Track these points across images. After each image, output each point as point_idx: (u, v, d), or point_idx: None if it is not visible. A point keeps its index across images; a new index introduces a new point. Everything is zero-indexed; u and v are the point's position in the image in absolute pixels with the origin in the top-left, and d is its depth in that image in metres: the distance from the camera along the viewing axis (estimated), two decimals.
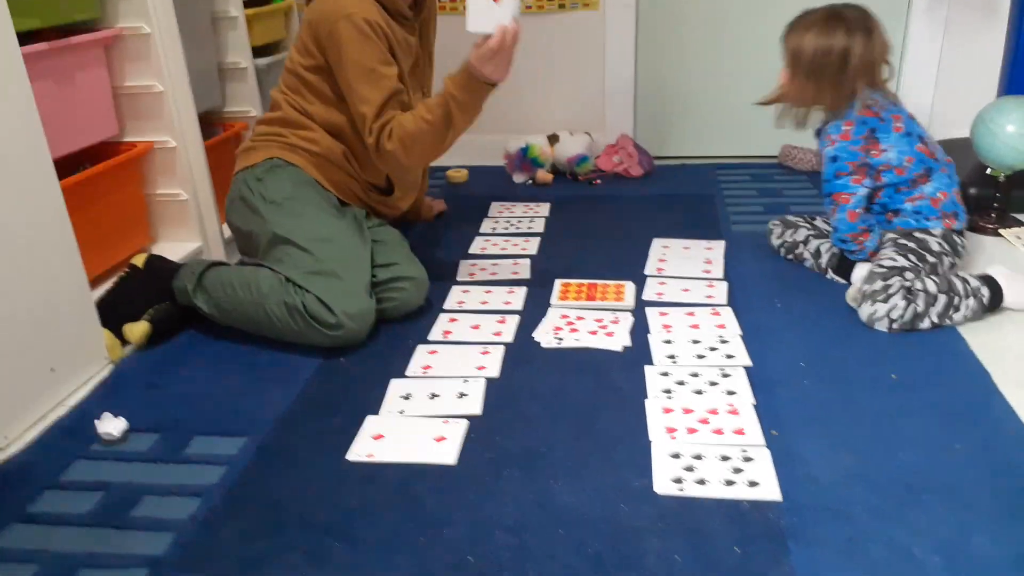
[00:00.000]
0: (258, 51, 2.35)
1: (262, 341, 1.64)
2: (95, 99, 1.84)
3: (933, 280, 1.60)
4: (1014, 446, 1.24)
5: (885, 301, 1.58)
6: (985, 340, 1.55)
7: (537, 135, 2.69)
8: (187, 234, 2.04)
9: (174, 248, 2.03)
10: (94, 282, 1.80)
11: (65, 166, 1.67)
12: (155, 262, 1.77)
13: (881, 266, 1.66)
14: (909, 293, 1.58)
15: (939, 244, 1.71)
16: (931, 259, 1.69)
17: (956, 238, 1.74)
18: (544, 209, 2.38)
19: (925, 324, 1.58)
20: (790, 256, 1.94)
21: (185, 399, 1.48)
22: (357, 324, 1.58)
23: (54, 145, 1.50)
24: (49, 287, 1.48)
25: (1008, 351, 1.51)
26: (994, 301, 1.61)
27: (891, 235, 1.74)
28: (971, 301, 1.59)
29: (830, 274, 1.83)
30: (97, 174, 1.78)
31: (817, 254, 1.87)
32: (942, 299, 1.58)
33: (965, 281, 1.62)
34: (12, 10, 1.39)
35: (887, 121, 1.70)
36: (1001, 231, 2.04)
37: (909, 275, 1.62)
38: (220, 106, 2.32)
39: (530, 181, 2.65)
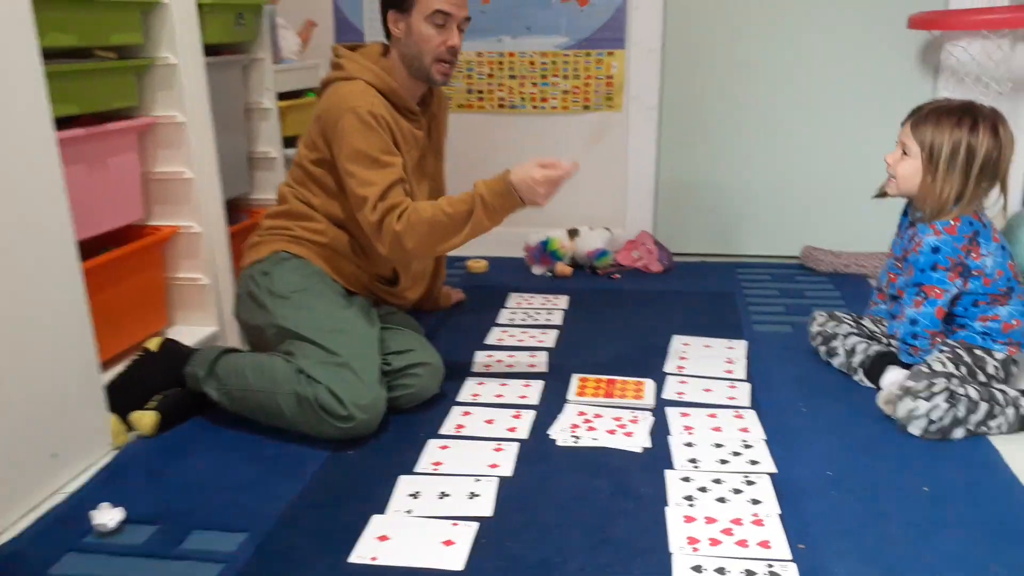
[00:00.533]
0: (289, 141, 2.40)
1: (271, 431, 1.60)
2: (124, 184, 1.87)
3: (975, 387, 1.55)
4: None
5: (928, 399, 1.52)
6: (1018, 453, 1.48)
7: (557, 229, 2.70)
8: (204, 318, 2.03)
9: (190, 331, 2.02)
10: (107, 363, 1.79)
11: (88, 247, 1.68)
12: (169, 346, 1.75)
13: (929, 367, 1.61)
14: (952, 397, 1.53)
15: (995, 368, 1.66)
16: (982, 378, 1.64)
17: (1013, 367, 1.69)
18: (563, 302, 2.36)
19: (960, 433, 1.52)
20: (822, 347, 1.88)
21: (187, 489, 1.44)
22: (368, 415, 1.55)
23: (80, 227, 1.52)
24: (59, 370, 1.46)
25: None
26: None
27: (950, 344, 1.68)
28: (1009, 411, 1.53)
29: (859, 375, 1.77)
30: (119, 257, 1.79)
31: (852, 352, 1.81)
32: (983, 407, 1.52)
33: (1004, 391, 1.56)
34: (53, 96, 1.43)
35: (988, 228, 1.68)
36: None
37: (955, 381, 1.56)
38: (248, 193, 2.36)
39: (549, 274, 2.64)
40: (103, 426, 1.57)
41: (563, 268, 2.62)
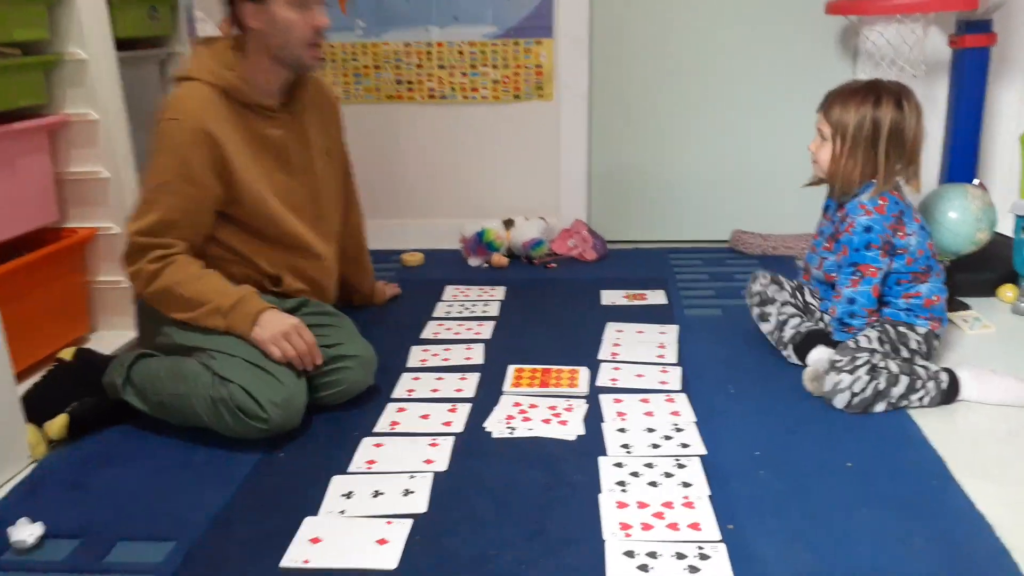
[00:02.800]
0: None
1: (200, 436, 1.56)
2: (36, 185, 1.80)
3: (896, 362, 1.60)
4: (973, 539, 1.21)
5: (851, 372, 1.57)
6: (938, 427, 1.54)
7: (493, 219, 2.70)
8: (128, 323, 1.96)
9: (114, 337, 1.96)
10: (25, 373, 1.73)
11: (1, 253, 1.62)
12: (84, 355, 1.70)
13: (856, 343, 1.65)
14: (873, 370, 1.57)
15: (917, 343, 1.71)
16: (905, 354, 1.69)
17: (935, 341, 1.75)
18: (499, 292, 2.36)
19: (882, 406, 1.57)
20: (756, 308, 1.91)
21: (112, 500, 1.39)
22: (285, 411, 1.51)
23: None
24: None
25: (962, 439, 1.50)
26: (951, 390, 1.61)
27: (874, 320, 1.73)
28: (931, 385, 1.59)
29: (788, 351, 1.82)
30: (32, 263, 1.72)
31: (782, 325, 1.84)
32: (904, 380, 1.57)
33: (926, 367, 1.62)
34: None
35: (910, 208, 1.73)
36: (949, 315, 2.06)
37: (877, 356, 1.61)
38: None
39: (486, 265, 2.63)
40: (20, 438, 1.51)
41: (499, 259, 2.62)
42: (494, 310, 2.22)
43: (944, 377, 1.60)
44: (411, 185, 2.87)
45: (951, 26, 2.30)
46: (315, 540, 1.25)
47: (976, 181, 2.23)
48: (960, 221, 2.00)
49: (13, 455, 1.49)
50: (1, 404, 1.47)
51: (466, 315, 2.19)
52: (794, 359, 1.80)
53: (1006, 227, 2.25)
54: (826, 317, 1.81)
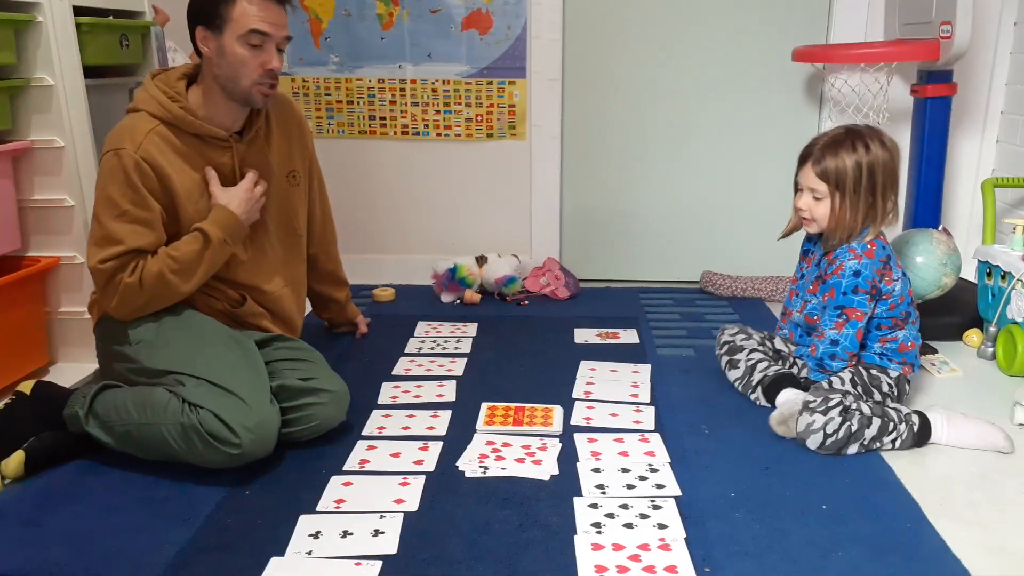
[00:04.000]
0: None
1: (162, 469, 1.51)
2: None
3: (869, 405, 1.61)
4: None
5: (824, 413, 1.57)
6: (910, 469, 1.54)
7: (465, 256, 2.69)
8: (89, 354, 1.90)
9: (74, 369, 1.91)
10: None
11: None
12: (43, 389, 1.64)
13: (830, 384, 1.66)
14: (846, 411, 1.58)
15: (889, 386, 1.73)
16: (877, 397, 1.71)
17: (906, 385, 1.77)
18: (472, 329, 2.34)
19: (854, 448, 1.57)
20: (725, 357, 1.91)
21: (67, 539, 1.33)
22: (257, 435, 1.47)
23: None
24: None
25: (933, 481, 1.51)
26: (923, 433, 1.62)
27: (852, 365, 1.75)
28: (903, 427, 1.60)
29: (756, 394, 1.82)
30: None
31: (752, 370, 1.84)
32: (876, 422, 1.58)
33: (897, 410, 1.63)
34: None
35: (894, 255, 1.75)
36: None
37: (850, 399, 1.62)
38: None
39: (458, 301, 2.62)
40: None
41: (471, 295, 2.60)
42: (466, 346, 2.20)
43: (915, 420, 1.61)
44: (383, 221, 2.86)
45: (913, 75, 2.37)
46: None
47: (940, 227, 2.28)
48: (926, 265, 2.03)
49: None
50: None
51: (438, 351, 2.16)
52: (762, 401, 1.80)
53: (969, 273, 2.30)
54: (800, 361, 1.82)
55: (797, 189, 1.78)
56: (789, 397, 1.73)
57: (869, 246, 1.71)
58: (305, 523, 1.36)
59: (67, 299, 1.90)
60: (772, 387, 1.79)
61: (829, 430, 1.56)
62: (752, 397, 1.83)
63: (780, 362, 1.86)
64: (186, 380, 1.50)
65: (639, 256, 2.85)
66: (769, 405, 1.78)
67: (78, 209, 1.84)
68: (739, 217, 2.77)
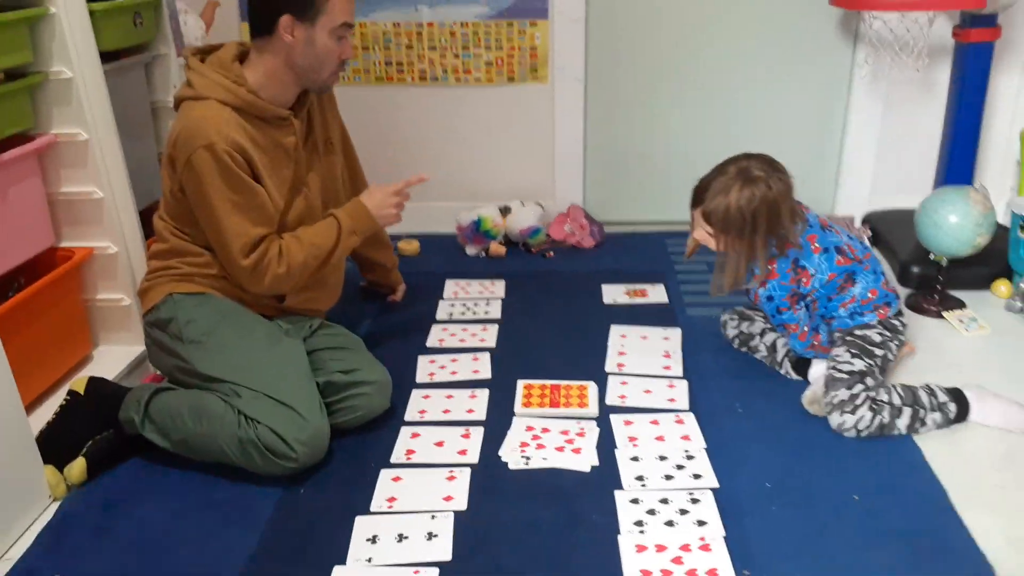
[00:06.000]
0: None
1: (217, 469, 1.57)
2: (30, 212, 1.75)
3: (898, 392, 1.64)
4: None
5: (853, 412, 1.61)
6: (939, 449, 1.59)
7: (488, 205, 2.67)
8: (130, 338, 1.96)
9: (117, 352, 1.95)
10: (36, 402, 1.73)
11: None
12: (96, 387, 1.68)
13: (840, 371, 1.69)
14: (875, 403, 1.62)
15: (880, 334, 1.75)
16: (878, 352, 1.73)
17: (895, 321, 1.79)
18: (499, 288, 2.36)
19: (894, 433, 1.62)
20: (744, 348, 1.96)
21: (139, 548, 1.41)
22: (311, 448, 1.54)
23: None
24: None
25: (962, 464, 1.55)
26: (960, 414, 1.65)
27: (838, 335, 1.78)
28: (936, 416, 1.63)
29: (786, 370, 1.85)
30: (32, 293, 1.69)
31: (773, 348, 1.89)
32: (907, 412, 1.62)
33: (932, 394, 1.66)
34: None
35: (805, 246, 1.74)
36: (944, 314, 2.10)
37: (870, 381, 1.65)
38: None
39: (483, 253, 2.62)
40: (38, 479, 1.51)
41: (497, 248, 2.61)
42: (496, 311, 2.22)
43: (952, 408, 1.64)
44: (403, 169, 2.80)
45: (956, 15, 2.27)
46: None
47: (978, 184, 2.24)
48: (960, 226, 2.01)
49: (33, 497, 1.50)
50: (16, 445, 1.46)
51: (469, 317, 2.19)
52: (793, 375, 1.84)
53: (1003, 219, 2.28)
54: None
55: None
56: (819, 371, 1.76)
57: (768, 266, 1.73)
58: (361, 526, 1.43)
59: (103, 287, 1.92)
60: (800, 362, 1.83)
61: (861, 427, 1.60)
62: (782, 372, 1.86)
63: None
64: (242, 392, 1.54)
65: (664, 197, 2.82)
66: (799, 378, 1.82)
67: (108, 200, 1.83)
68: (766, 149, 2.71)
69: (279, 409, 1.53)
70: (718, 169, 1.74)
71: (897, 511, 1.43)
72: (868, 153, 2.67)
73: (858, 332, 1.76)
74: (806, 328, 1.79)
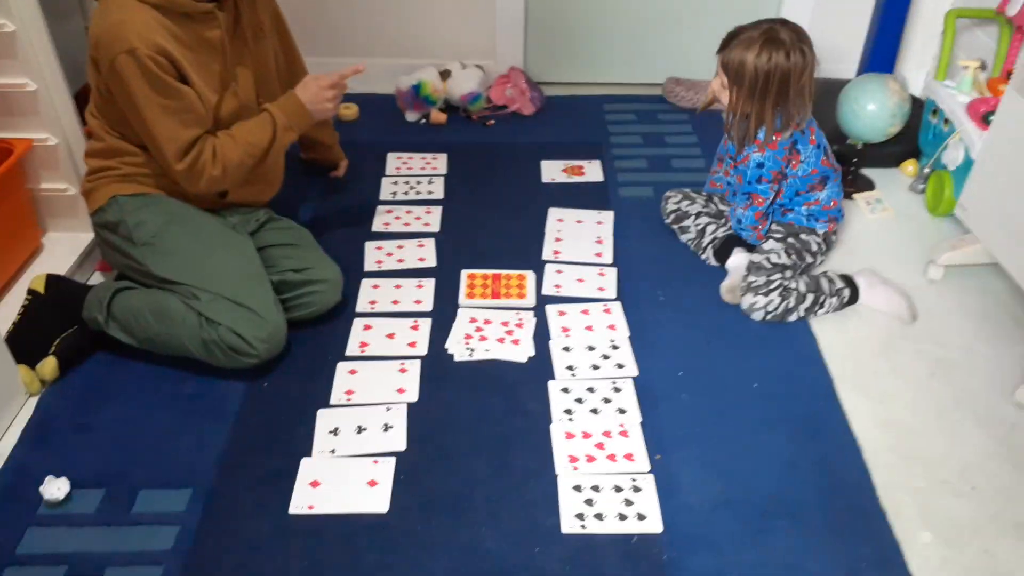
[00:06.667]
0: None
1: (181, 364, 1.69)
2: None
3: (804, 280, 1.84)
4: (844, 460, 1.53)
5: (765, 295, 1.81)
6: (833, 339, 1.81)
7: (428, 68, 2.65)
8: (79, 224, 1.99)
9: (67, 239, 1.99)
10: None
11: None
12: (56, 284, 1.75)
13: (768, 262, 1.87)
14: (785, 291, 1.81)
15: (818, 245, 1.93)
16: (809, 259, 1.92)
17: (832, 238, 1.96)
18: (442, 163, 2.42)
19: (793, 318, 1.83)
20: (675, 226, 2.10)
21: (120, 443, 1.56)
22: (271, 345, 1.66)
23: None
24: None
25: (849, 350, 1.78)
26: (852, 298, 1.87)
27: (778, 227, 1.94)
28: (834, 300, 1.84)
29: (708, 255, 2.02)
30: None
31: (702, 233, 2.04)
32: (810, 297, 1.82)
33: (831, 281, 1.86)
34: None
35: (806, 133, 1.85)
36: (855, 196, 2.27)
37: (788, 273, 1.84)
38: None
39: (423, 120, 2.64)
40: (12, 377, 1.62)
41: (437, 115, 2.63)
42: (439, 190, 2.30)
43: (847, 293, 1.85)
44: (340, 22, 2.75)
45: None
46: (314, 484, 1.48)
47: (897, 73, 2.32)
48: (875, 115, 2.14)
49: (9, 394, 1.61)
50: None
51: (412, 197, 2.27)
52: (713, 262, 2.01)
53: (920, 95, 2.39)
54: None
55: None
56: (738, 262, 1.94)
57: (774, 137, 1.82)
58: (324, 419, 1.60)
59: (46, 177, 1.92)
60: (722, 249, 1.99)
61: (770, 309, 1.81)
62: (703, 257, 2.03)
63: (722, 220, 2.04)
64: (200, 294, 1.63)
65: (604, 57, 2.83)
66: (719, 264, 1.99)
67: (41, 91, 1.79)
68: (704, 14, 2.73)
69: (238, 310, 1.64)
70: (752, 24, 1.78)
71: (789, 397, 1.67)
72: (804, 16, 2.69)
73: (803, 236, 1.92)
74: (757, 212, 1.90)
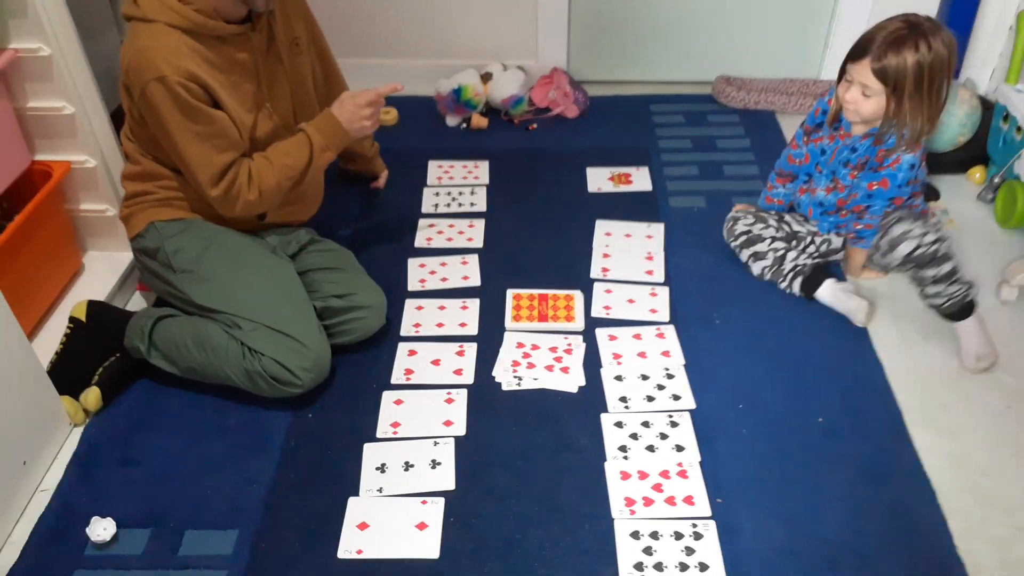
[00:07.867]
0: None
1: (223, 392, 1.66)
2: (2, 133, 1.68)
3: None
4: (918, 507, 1.45)
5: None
6: (899, 364, 1.72)
7: (469, 71, 2.58)
8: (118, 244, 1.96)
9: (107, 259, 1.97)
10: (38, 327, 1.77)
11: None
12: (97, 312, 1.73)
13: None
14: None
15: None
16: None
17: None
18: (483, 171, 2.35)
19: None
20: (745, 249, 1.94)
21: (164, 478, 1.53)
22: (315, 374, 1.62)
23: None
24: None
25: (919, 380, 1.69)
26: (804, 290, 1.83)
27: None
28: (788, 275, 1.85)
29: (789, 285, 1.88)
30: (23, 220, 1.68)
31: (781, 260, 1.89)
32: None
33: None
34: None
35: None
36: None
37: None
38: None
39: (464, 125, 2.57)
40: (57, 408, 1.60)
41: (478, 120, 2.55)
42: (481, 201, 2.24)
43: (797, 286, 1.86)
44: (379, 23, 2.67)
45: None
46: (362, 526, 1.44)
47: (965, 79, 2.19)
48: (944, 124, 2.02)
49: (55, 425, 1.59)
50: (29, 380, 1.51)
51: (454, 209, 2.21)
52: (795, 291, 1.87)
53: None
54: (819, 239, 1.91)
55: (844, 78, 1.73)
56: (830, 292, 1.82)
57: (922, 139, 1.73)
58: (370, 454, 1.56)
59: (86, 198, 1.89)
60: (811, 279, 1.85)
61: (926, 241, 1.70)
62: (782, 286, 1.90)
63: (796, 243, 1.93)
64: (242, 323, 1.59)
65: (650, 55, 2.72)
66: (803, 295, 1.86)
67: (79, 114, 1.75)
68: (756, 12, 2.61)
69: (281, 339, 1.59)
70: (881, 26, 1.68)
71: (855, 434, 1.58)
72: (862, 15, 2.56)
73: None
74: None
